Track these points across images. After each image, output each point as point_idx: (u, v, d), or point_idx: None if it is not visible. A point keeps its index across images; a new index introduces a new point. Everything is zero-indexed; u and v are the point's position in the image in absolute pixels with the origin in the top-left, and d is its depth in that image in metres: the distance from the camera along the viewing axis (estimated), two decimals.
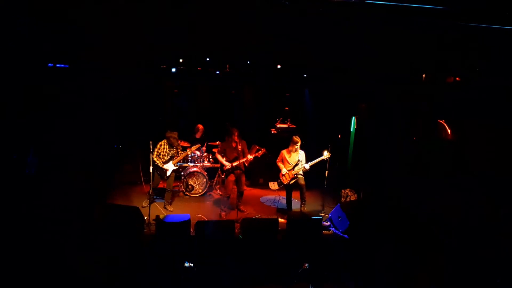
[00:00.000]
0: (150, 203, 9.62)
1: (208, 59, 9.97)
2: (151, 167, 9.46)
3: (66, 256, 7.10)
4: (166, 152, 9.92)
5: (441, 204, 8.56)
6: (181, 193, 11.39)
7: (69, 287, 6.63)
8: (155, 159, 9.75)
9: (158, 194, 10.64)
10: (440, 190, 8.80)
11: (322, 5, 6.57)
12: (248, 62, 9.95)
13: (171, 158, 9.99)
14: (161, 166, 9.87)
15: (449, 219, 8.31)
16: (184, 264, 7.32)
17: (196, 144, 11.92)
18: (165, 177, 10.02)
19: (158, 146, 9.86)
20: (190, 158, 11.57)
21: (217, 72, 10.71)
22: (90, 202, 8.56)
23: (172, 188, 10.37)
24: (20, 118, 7.30)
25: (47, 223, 7.53)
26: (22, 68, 7.09)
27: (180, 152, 10.17)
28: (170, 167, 9.96)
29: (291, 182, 9.88)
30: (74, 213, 7.98)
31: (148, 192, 9.99)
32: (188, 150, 10.46)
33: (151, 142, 9.40)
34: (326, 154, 9.68)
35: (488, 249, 7.53)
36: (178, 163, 10.40)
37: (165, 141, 9.92)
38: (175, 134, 9.92)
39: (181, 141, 11.31)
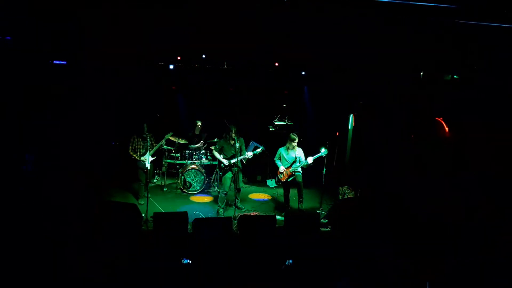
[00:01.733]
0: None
1: (207, 56, 9.94)
2: (148, 164, 9.49)
3: (66, 255, 7.10)
4: (140, 145, 10.02)
5: (441, 204, 8.58)
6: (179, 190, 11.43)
7: (69, 286, 6.63)
8: (131, 153, 9.93)
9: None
10: (440, 190, 8.82)
11: (321, 5, 6.57)
12: (247, 60, 9.94)
13: (147, 150, 9.95)
14: (138, 159, 9.96)
15: (449, 219, 8.34)
16: (182, 261, 7.34)
17: (196, 140, 11.93)
18: (145, 170, 9.96)
19: (132, 140, 10.03)
20: (187, 155, 11.56)
21: (216, 70, 10.69)
22: (89, 200, 8.56)
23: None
24: (20, 118, 7.27)
25: (47, 222, 7.53)
26: (22, 68, 7.06)
27: (153, 143, 10.19)
28: (147, 158, 9.92)
29: (289, 180, 9.89)
30: (73, 211, 7.96)
31: (143, 188, 10.05)
32: (163, 140, 10.52)
33: (149, 139, 9.42)
34: (323, 151, 9.67)
35: (488, 249, 7.57)
36: (171, 158, 10.39)
37: (136, 135, 10.07)
38: (143, 126, 10.02)
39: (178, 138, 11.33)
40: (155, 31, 6.98)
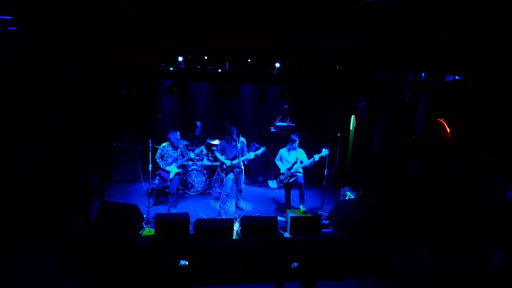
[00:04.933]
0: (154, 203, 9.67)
1: (208, 57, 9.95)
2: (150, 165, 9.47)
3: (66, 256, 7.12)
4: (169, 154, 9.78)
5: (441, 204, 8.57)
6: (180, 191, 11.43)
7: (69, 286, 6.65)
8: (158, 161, 9.66)
9: (161, 195, 10.58)
10: (441, 191, 8.81)
11: (322, 4, 6.57)
12: (248, 60, 9.94)
13: (175, 160, 9.82)
14: (163, 168, 9.74)
15: (449, 219, 8.32)
16: (180, 262, 7.37)
17: (195, 140, 11.94)
18: (169, 180, 9.83)
19: (162, 147, 9.74)
20: (195, 160, 11.53)
21: (219, 71, 10.69)
22: (89, 201, 8.58)
23: (177, 191, 10.18)
24: (20, 118, 7.30)
25: (47, 223, 7.54)
26: (21, 67, 7.10)
27: (184, 154, 9.94)
28: (173, 169, 9.81)
29: (290, 181, 9.89)
30: (74, 212, 7.98)
31: (147, 190, 10.01)
32: (192, 153, 10.13)
33: (150, 140, 9.40)
34: (325, 152, 9.68)
35: (487, 249, 7.56)
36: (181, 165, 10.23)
37: (168, 142, 9.79)
38: (176, 135, 9.77)
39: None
40: (155, 30, 6.98)
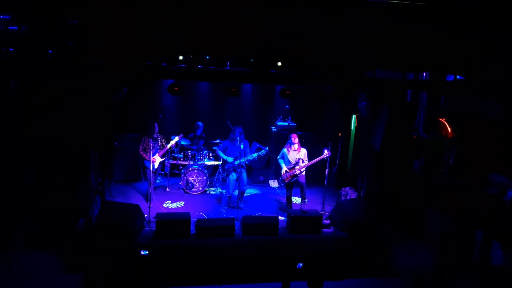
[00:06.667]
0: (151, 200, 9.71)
1: (208, 56, 9.95)
2: (151, 164, 9.53)
3: (67, 256, 7.14)
4: (150, 146, 10.03)
5: (441, 204, 8.57)
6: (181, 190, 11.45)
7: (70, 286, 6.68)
8: (141, 152, 10.08)
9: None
10: (441, 190, 8.81)
11: (322, 4, 6.58)
12: (250, 59, 9.93)
13: (156, 151, 10.13)
14: (147, 159, 10.00)
15: (449, 219, 8.33)
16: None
17: (197, 140, 11.94)
18: (153, 171, 10.10)
19: (143, 140, 10.15)
20: (190, 156, 11.57)
21: (219, 70, 10.67)
22: (90, 201, 8.60)
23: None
24: (20, 117, 7.32)
25: (48, 223, 7.57)
26: (21, 67, 7.12)
27: (164, 144, 10.35)
28: (156, 159, 10.12)
29: (292, 180, 9.88)
30: (75, 212, 8.00)
31: (147, 191, 10.08)
32: (172, 141, 10.54)
33: (151, 140, 9.45)
34: (326, 152, 9.68)
35: (487, 247, 7.57)
36: (166, 157, 10.66)
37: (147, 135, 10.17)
38: (154, 126, 10.17)
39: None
40: (156, 30, 6.98)
